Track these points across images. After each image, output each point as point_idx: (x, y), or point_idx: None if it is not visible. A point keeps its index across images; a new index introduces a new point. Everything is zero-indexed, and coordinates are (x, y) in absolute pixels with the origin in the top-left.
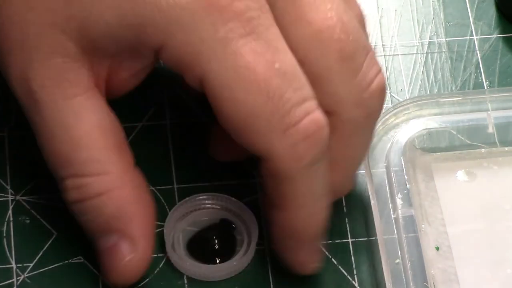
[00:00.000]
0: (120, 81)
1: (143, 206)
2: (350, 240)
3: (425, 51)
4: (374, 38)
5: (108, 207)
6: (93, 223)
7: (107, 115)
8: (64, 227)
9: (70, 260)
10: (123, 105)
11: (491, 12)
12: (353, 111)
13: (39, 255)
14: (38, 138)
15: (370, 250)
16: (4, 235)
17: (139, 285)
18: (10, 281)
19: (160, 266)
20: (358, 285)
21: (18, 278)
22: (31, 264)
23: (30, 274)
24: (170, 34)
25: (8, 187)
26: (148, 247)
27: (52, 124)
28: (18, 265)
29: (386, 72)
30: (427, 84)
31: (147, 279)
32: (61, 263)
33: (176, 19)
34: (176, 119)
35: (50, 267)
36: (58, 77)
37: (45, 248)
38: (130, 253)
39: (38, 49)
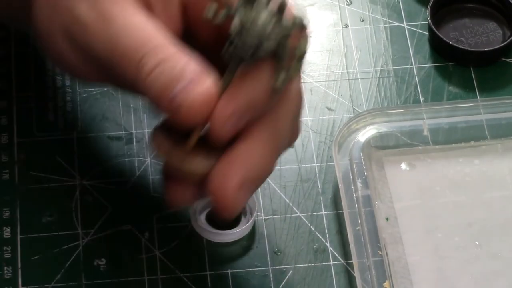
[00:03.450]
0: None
1: (200, 66)
2: (323, 212)
3: (378, 76)
4: (340, 67)
5: (178, 65)
6: (163, 80)
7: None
8: (116, 203)
9: (120, 228)
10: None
11: (426, 47)
12: None
13: (98, 224)
14: (108, 47)
15: (338, 220)
16: (73, 209)
17: (169, 247)
18: (77, 242)
19: (186, 232)
20: (329, 245)
21: (83, 240)
22: (92, 231)
23: (91, 238)
24: None
25: (76, 173)
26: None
27: (126, 27)
28: (83, 231)
29: (349, 92)
30: (379, 100)
31: (176, 242)
32: (114, 230)
33: None
34: None
35: (105, 233)
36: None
37: (102, 218)
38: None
39: None
